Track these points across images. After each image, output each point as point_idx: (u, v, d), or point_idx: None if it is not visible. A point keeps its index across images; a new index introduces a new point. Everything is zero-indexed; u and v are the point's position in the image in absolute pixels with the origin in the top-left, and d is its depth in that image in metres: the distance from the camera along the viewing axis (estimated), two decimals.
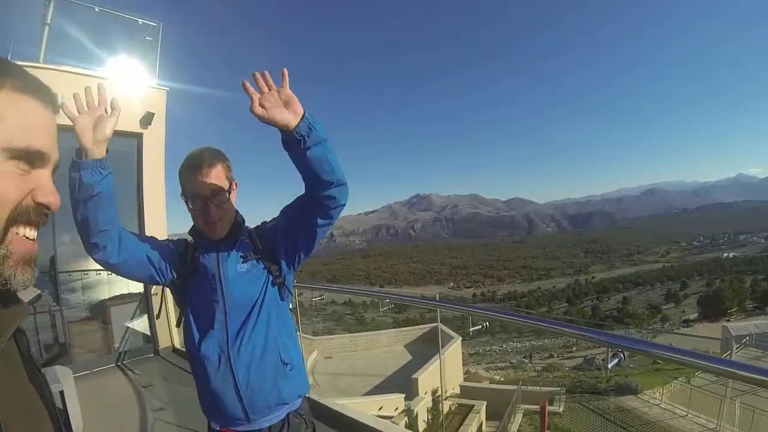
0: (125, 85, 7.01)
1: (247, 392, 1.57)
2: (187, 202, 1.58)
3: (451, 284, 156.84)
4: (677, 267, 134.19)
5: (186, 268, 1.67)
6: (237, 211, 1.69)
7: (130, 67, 7.34)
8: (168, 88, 7.34)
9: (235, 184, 1.64)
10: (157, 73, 7.39)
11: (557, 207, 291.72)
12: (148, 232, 6.88)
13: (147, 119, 6.88)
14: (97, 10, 7.13)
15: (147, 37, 7.50)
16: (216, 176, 1.54)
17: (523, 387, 17.81)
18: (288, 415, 1.69)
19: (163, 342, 6.96)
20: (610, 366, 16.60)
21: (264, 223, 1.74)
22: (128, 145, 7.01)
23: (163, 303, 6.56)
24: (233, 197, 1.62)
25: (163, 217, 7.26)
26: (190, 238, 1.74)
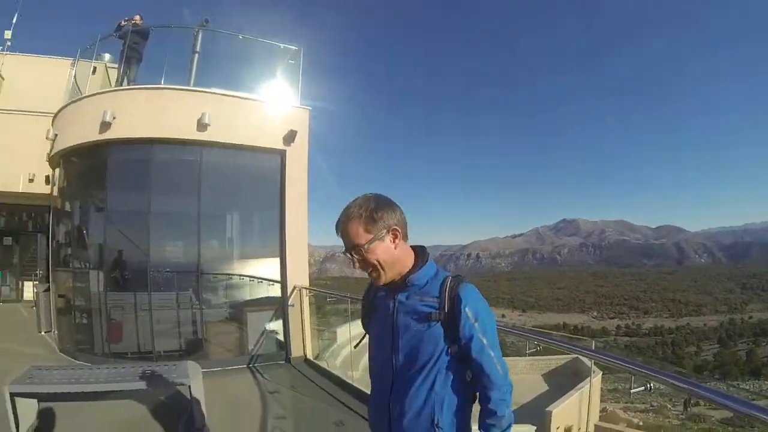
0: (269, 105, 7.51)
1: None
2: None
3: (595, 314, 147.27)
4: None
5: (367, 306, 1.94)
6: (419, 253, 1.75)
7: (274, 88, 7.95)
8: (310, 108, 7.71)
9: (393, 231, 1.66)
10: (300, 93, 7.79)
11: (711, 236, 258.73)
12: (290, 244, 7.25)
13: (290, 137, 7.27)
14: (241, 37, 7.76)
15: (290, 61, 8.02)
16: (353, 232, 1.62)
17: None
18: None
19: (296, 351, 7.15)
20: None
21: (465, 286, 1.67)
22: (273, 161, 7.44)
23: (302, 314, 6.80)
24: (382, 246, 1.64)
25: (305, 229, 7.56)
26: None
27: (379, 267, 1.65)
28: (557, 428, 13.12)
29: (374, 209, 1.63)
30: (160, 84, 7.24)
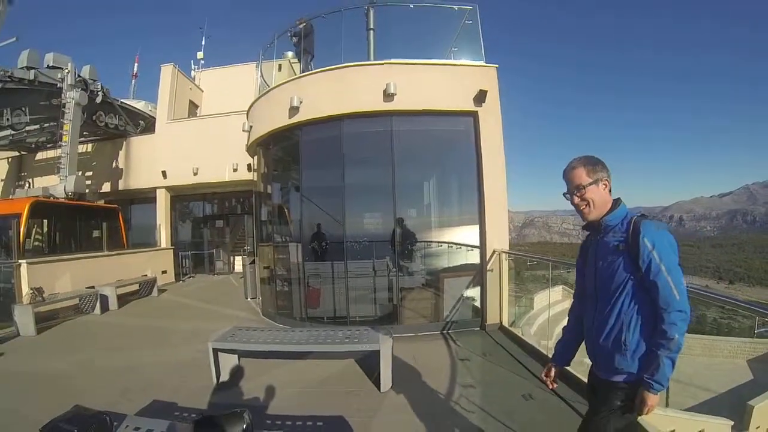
0: (454, 67, 7.43)
1: (594, 356, 2.23)
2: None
3: None
4: None
5: (582, 250, 2.37)
6: (615, 201, 2.16)
7: (456, 50, 7.91)
8: (497, 65, 7.43)
9: (604, 181, 2.13)
10: (483, 51, 7.55)
11: None
12: (489, 208, 7.15)
13: (480, 97, 7.09)
14: (412, 6, 7.68)
15: (467, 21, 7.78)
16: (578, 176, 2.13)
17: None
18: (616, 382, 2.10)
19: (492, 318, 7.07)
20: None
21: (646, 222, 2.04)
22: (465, 123, 7.36)
23: (500, 279, 6.58)
24: (596, 189, 2.11)
25: (504, 192, 7.38)
26: None
27: (591, 204, 2.13)
28: (757, 427, 11.21)
29: (594, 163, 2.14)
30: (341, 63, 7.52)
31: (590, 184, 2.10)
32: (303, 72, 8.55)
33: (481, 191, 7.22)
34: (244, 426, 2.08)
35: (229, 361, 5.19)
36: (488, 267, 7.11)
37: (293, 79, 8.08)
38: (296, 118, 7.56)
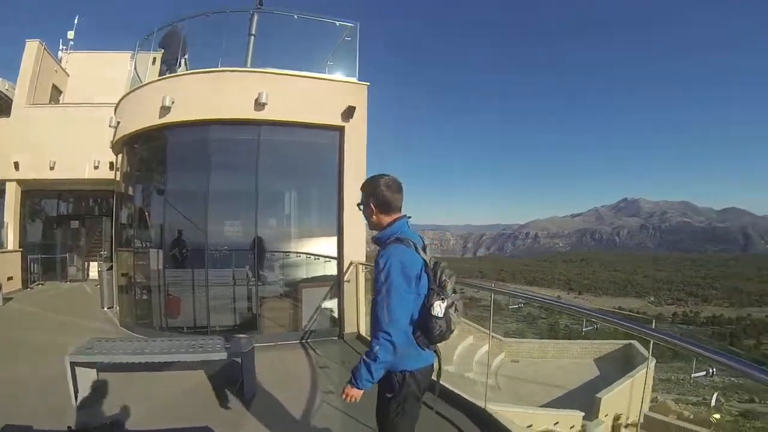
0: (327, 82, 7.49)
1: None
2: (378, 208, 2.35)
3: (652, 299, 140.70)
4: None
5: None
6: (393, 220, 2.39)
7: (331, 66, 8.00)
8: (368, 83, 7.63)
9: (372, 204, 2.37)
10: (357, 69, 7.71)
11: None
12: (347, 221, 7.29)
13: (349, 113, 7.25)
14: (296, 17, 7.75)
15: (346, 38, 7.93)
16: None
17: None
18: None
19: (350, 328, 7.26)
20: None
21: (391, 246, 2.25)
22: (331, 137, 7.48)
23: (356, 290, 6.78)
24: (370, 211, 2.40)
25: None
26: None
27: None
28: (605, 415, 12.73)
29: (370, 182, 2.40)
30: (218, 67, 7.33)
31: (362, 204, 2.40)
32: (163, 74, 8.21)
33: (341, 204, 7.37)
34: None
35: (88, 376, 4.83)
36: (345, 278, 7.28)
37: (167, 78, 7.75)
38: (167, 119, 7.22)
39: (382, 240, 2.32)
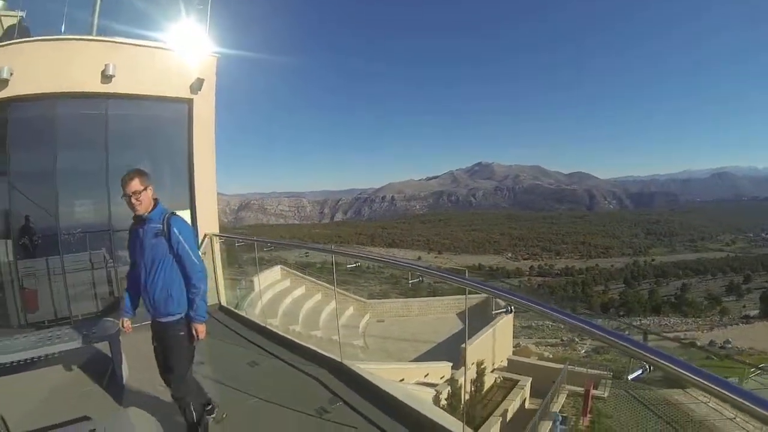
0: (176, 54, 7.27)
1: (152, 306, 3.22)
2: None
3: (510, 255, 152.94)
4: (742, 258, 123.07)
5: (130, 235, 3.31)
6: (155, 201, 3.21)
7: (181, 35, 7.54)
8: (219, 55, 7.52)
9: (150, 187, 3.15)
10: (208, 39, 7.54)
11: (619, 184, 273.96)
12: (199, 193, 7.28)
13: (197, 85, 7.14)
14: None
15: (198, 6, 7.66)
16: (134, 185, 3.06)
17: (570, 367, 17.38)
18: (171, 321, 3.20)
19: (211, 300, 7.22)
20: (631, 377, 15.60)
21: (174, 217, 3.18)
22: (179, 110, 7.32)
23: (213, 262, 6.86)
24: (146, 194, 3.11)
25: (213, 177, 7.56)
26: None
27: (142, 203, 3.08)
28: (472, 363, 13.93)
29: (145, 175, 3.13)
30: (61, 35, 6.81)
31: (143, 190, 3.07)
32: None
33: (192, 177, 7.35)
34: None
35: None
36: (201, 250, 7.25)
37: (5, 45, 6.97)
38: (6, 93, 6.47)
39: (158, 214, 3.15)
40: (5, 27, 8.33)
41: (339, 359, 4.69)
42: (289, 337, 5.67)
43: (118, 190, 3.30)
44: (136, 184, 3.04)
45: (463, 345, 14.45)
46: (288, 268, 18.83)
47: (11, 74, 6.41)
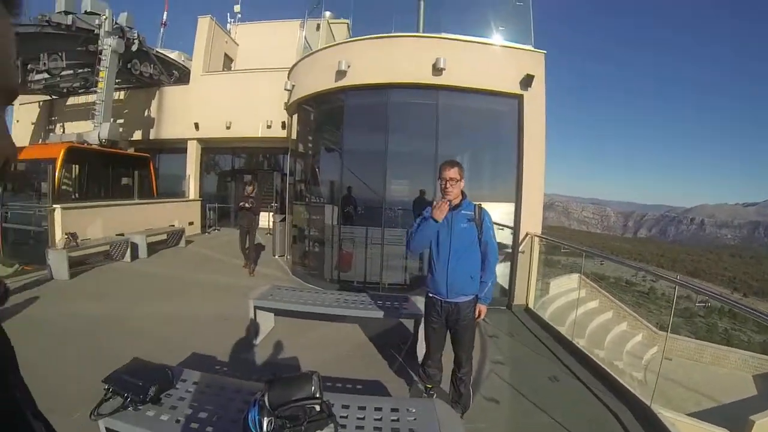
0: (504, 49, 7.34)
1: (449, 285, 3.37)
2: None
3: None
4: None
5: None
6: (462, 193, 3.40)
7: (506, 32, 7.74)
8: (545, 51, 7.33)
9: (462, 181, 3.33)
10: (533, 36, 7.48)
11: None
12: (526, 191, 7.17)
13: (527, 81, 7.06)
14: None
15: (518, 2, 7.73)
16: (453, 173, 3.27)
17: None
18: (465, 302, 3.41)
19: (519, 299, 7.21)
20: None
21: (484, 209, 3.42)
22: (509, 105, 7.32)
23: (530, 262, 6.74)
24: (460, 185, 3.31)
25: (542, 177, 7.37)
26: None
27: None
28: None
29: (463, 168, 3.34)
30: (391, 32, 7.52)
31: (458, 180, 3.28)
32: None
33: (520, 174, 7.23)
34: (313, 387, 2.18)
35: (265, 319, 5.33)
36: (520, 249, 7.18)
37: (340, 43, 8.09)
38: (342, 82, 7.57)
39: (468, 205, 3.39)
40: (334, 33, 9.67)
41: (648, 403, 3.96)
42: (593, 358, 5.19)
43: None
44: (454, 173, 3.26)
45: (753, 417, 11.89)
46: (586, 279, 17.92)
47: (348, 66, 7.38)
